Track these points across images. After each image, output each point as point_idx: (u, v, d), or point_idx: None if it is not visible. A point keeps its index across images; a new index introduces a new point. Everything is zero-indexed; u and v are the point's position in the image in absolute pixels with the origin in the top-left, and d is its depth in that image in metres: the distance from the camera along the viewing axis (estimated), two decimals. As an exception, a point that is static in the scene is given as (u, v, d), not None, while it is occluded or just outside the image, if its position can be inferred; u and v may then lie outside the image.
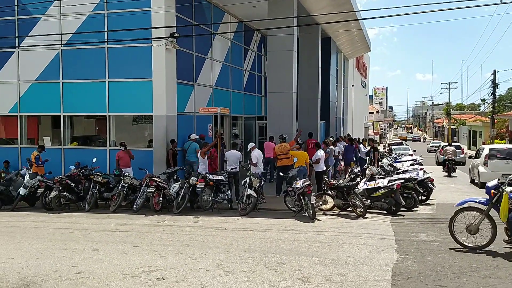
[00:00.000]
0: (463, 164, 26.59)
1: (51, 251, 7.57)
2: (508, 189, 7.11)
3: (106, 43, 14.42)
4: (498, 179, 7.62)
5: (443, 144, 34.57)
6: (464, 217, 7.61)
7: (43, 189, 12.44)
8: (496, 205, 7.30)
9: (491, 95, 40.01)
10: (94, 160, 13.07)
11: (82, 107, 15.07)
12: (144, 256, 7.06)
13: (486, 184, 7.71)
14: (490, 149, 17.92)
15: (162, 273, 6.15)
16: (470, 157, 24.97)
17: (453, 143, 30.26)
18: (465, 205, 7.86)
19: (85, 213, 11.69)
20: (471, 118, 56.48)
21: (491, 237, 7.32)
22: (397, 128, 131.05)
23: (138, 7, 13.92)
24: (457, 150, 25.56)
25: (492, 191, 7.43)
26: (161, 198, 11.59)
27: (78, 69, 14.89)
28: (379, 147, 22.29)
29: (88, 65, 14.80)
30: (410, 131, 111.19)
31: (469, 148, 48.92)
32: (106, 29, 14.30)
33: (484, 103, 55.27)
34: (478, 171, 17.62)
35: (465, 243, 7.48)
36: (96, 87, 14.72)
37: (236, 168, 12.51)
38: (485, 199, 7.58)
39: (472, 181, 18.96)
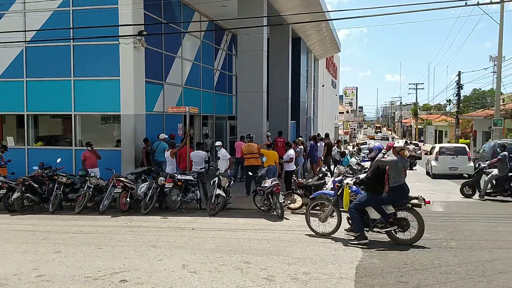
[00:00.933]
0: (420, 159, 29.29)
1: (12, 253, 7.35)
2: (346, 181, 8.02)
3: (71, 40, 14.10)
4: (343, 175, 8.61)
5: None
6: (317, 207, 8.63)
7: (5, 190, 12.03)
8: (340, 196, 8.13)
9: (456, 96, 41.04)
10: (58, 160, 12.73)
11: (47, 106, 14.68)
12: (108, 258, 6.93)
13: (333, 179, 8.64)
14: (440, 147, 21.68)
15: (125, 275, 6.05)
16: (426, 153, 28.05)
17: (413, 142, 37.39)
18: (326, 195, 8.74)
19: (49, 215, 11.38)
20: (437, 118, 57.92)
21: (336, 225, 8.20)
22: (367, 128, 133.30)
23: (104, 4, 13.64)
24: (415, 148, 30.29)
25: (336, 184, 8.35)
26: (128, 199, 11.40)
27: (42, 67, 14.48)
28: (348, 146, 23.22)
29: (53, 63, 14.41)
30: (379, 130, 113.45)
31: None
32: (71, 26, 13.97)
33: (449, 104, 56.82)
34: (431, 165, 21.22)
35: (315, 230, 8.37)
36: (61, 86, 14.33)
37: (202, 168, 12.45)
38: (333, 192, 8.50)
39: (428, 173, 22.19)
